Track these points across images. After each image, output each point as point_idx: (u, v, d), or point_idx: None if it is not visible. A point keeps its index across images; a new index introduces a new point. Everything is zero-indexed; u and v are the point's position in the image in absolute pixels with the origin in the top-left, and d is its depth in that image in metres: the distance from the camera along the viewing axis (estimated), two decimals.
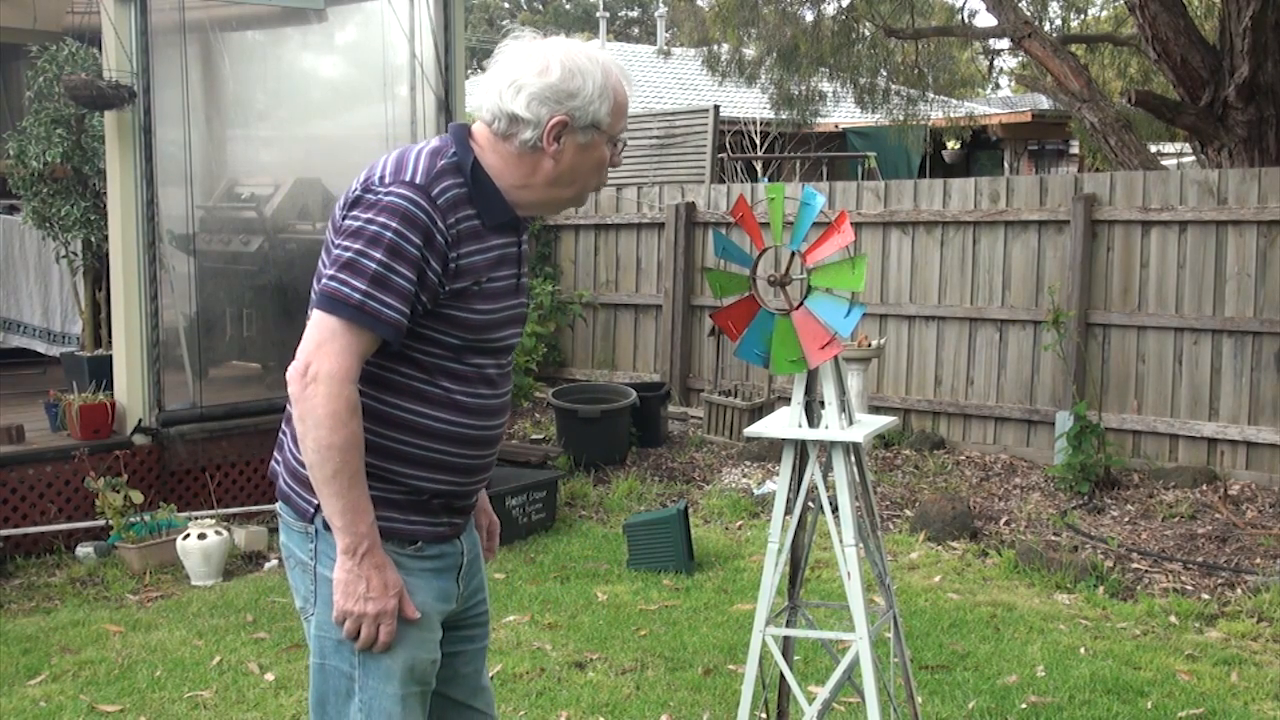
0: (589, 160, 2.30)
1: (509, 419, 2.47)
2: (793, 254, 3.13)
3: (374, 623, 2.19)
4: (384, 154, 2.30)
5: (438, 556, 2.35)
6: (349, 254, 2.14)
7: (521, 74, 2.23)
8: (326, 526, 2.24)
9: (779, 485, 3.20)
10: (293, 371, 2.16)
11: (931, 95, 15.75)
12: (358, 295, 2.12)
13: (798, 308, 3.08)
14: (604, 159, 2.32)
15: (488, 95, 2.27)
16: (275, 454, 2.43)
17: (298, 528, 2.32)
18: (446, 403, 2.27)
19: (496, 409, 2.37)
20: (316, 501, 2.26)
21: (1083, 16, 17.97)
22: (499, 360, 2.35)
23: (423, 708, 2.35)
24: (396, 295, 2.13)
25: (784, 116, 15.46)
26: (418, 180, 2.18)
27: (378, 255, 2.13)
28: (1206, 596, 5.54)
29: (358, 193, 2.21)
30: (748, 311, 3.16)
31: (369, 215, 2.16)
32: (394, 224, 2.13)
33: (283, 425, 2.40)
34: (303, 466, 2.29)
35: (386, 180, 2.19)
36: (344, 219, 2.20)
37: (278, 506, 2.39)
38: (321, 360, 2.12)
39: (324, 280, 2.16)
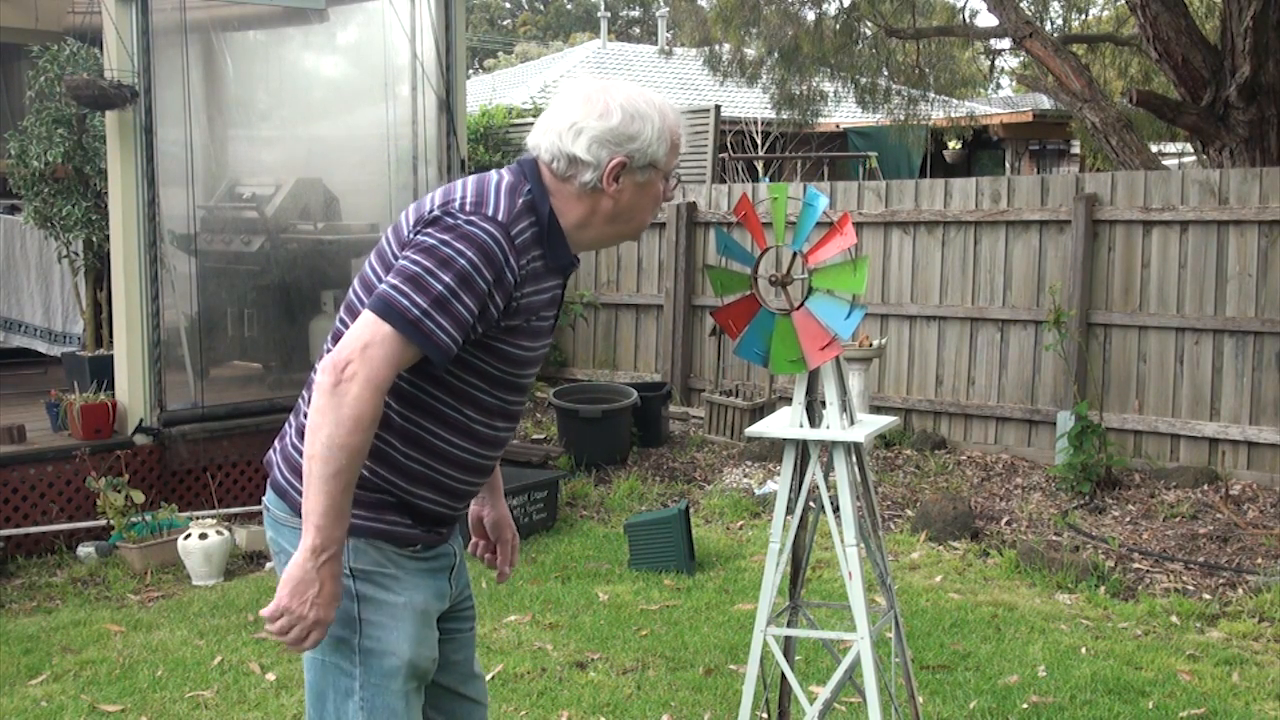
0: (646, 197, 2.34)
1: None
2: (795, 254, 3.13)
3: (308, 628, 2.14)
4: (460, 179, 2.31)
5: (434, 558, 2.38)
6: (416, 269, 2.14)
7: (582, 117, 2.26)
8: (360, 534, 2.25)
9: (780, 485, 3.20)
10: (328, 362, 2.13)
11: (932, 95, 15.76)
12: (416, 311, 2.11)
13: (798, 308, 3.08)
14: (659, 194, 2.37)
15: (545, 135, 2.29)
16: (275, 443, 2.42)
17: (291, 523, 2.31)
18: (464, 429, 2.30)
19: (503, 441, 2.41)
20: (366, 514, 2.26)
21: (1084, 16, 17.97)
22: (520, 397, 2.39)
23: (419, 701, 2.37)
24: (454, 322, 2.13)
25: (785, 116, 15.47)
26: (500, 217, 2.19)
27: (446, 279, 2.12)
28: (1208, 596, 5.54)
29: (435, 213, 2.20)
30: (748, 310, 3.16)
31: (445, 237, 2.15)
32: (470, 254, 2.14)
33: (290, 418, 2.40)
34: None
35: (467, 208, 2.19)
36: (416, 234, 2.20)
37: (267, 499, 2.38)
38: (363, 363, 2.10)
39: (384, 286, 2.16)
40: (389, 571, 2.26)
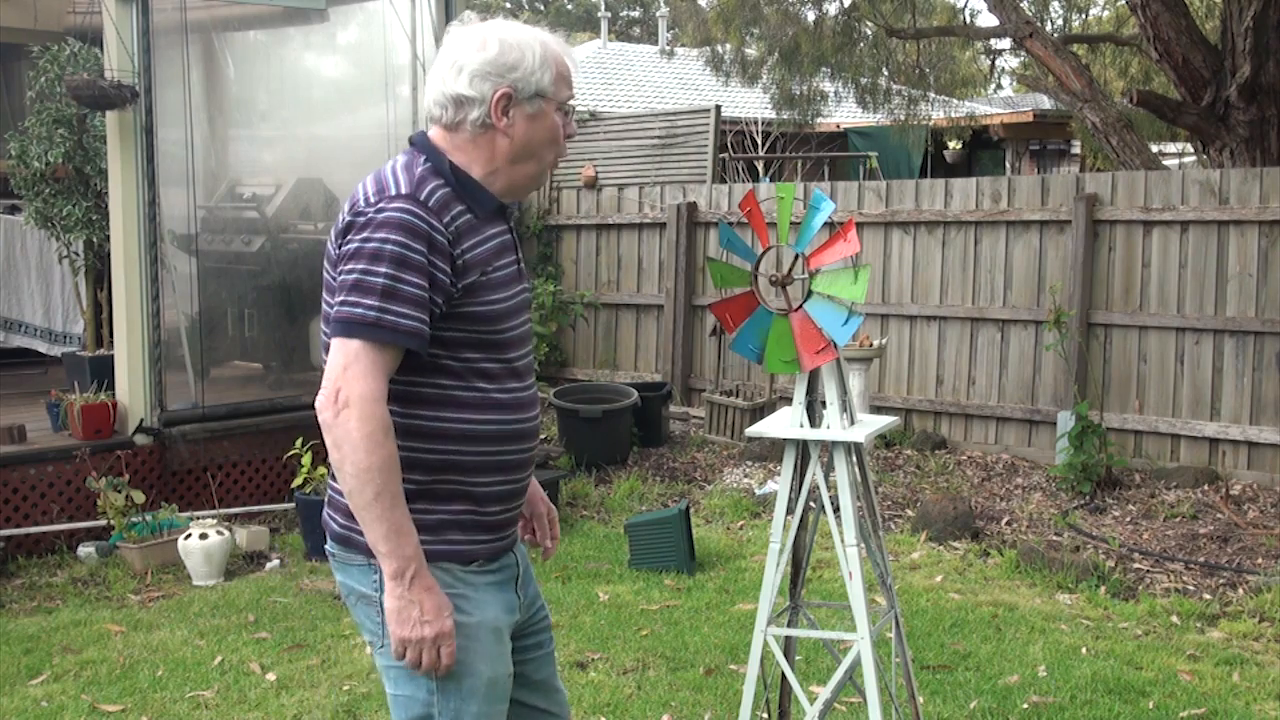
0: (541, 130, 2.30)
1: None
2: (797, 256, 3.13)
3: (433, 646, 2.15)
4: (360, 180, 2.30)
5: (498, 570, 2.33)
6: (354, 275, 2.14)
7: (461, 55, 2.25)
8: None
9: (780, 485, 3.19)
10: (322, 400, 2.13)
11: (933, 95, 15.74)
12: (373, 313, 2.11)
13: (797, 310, 3.08)
14: (556, 128, 2.31)
15: (433, 87, 2.29)
16: (325, 504, 2.39)
17: (357, 561, 2.27)
18: (486, 404, 2.26)
19: (529, 401, 2.35)
20: (427, 538, 2.21)
21: (1084, 16, 17.96)
22: (521, 350, 2.34)
23: None
24: (410, 303, 2.12)
25: (786, 116, 15.46)
26: (404, 190, 2.18)
27: (382, 269, 2.12)
28: (1208, 596, 5.54)
29: (348, 219, 2.20)
30: (747, 306, 3.17)
31: (364, 234, 2.15)
32: (393, 236, 2.13)
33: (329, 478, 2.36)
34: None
35: (372, 200, 2.19)
36: (341, 247, 2.20)
37: (329, 548, 2.35)
38: (349, 384, 2.10)
39: (336, 308, 2.15)
40: (458, 591, 2.23)
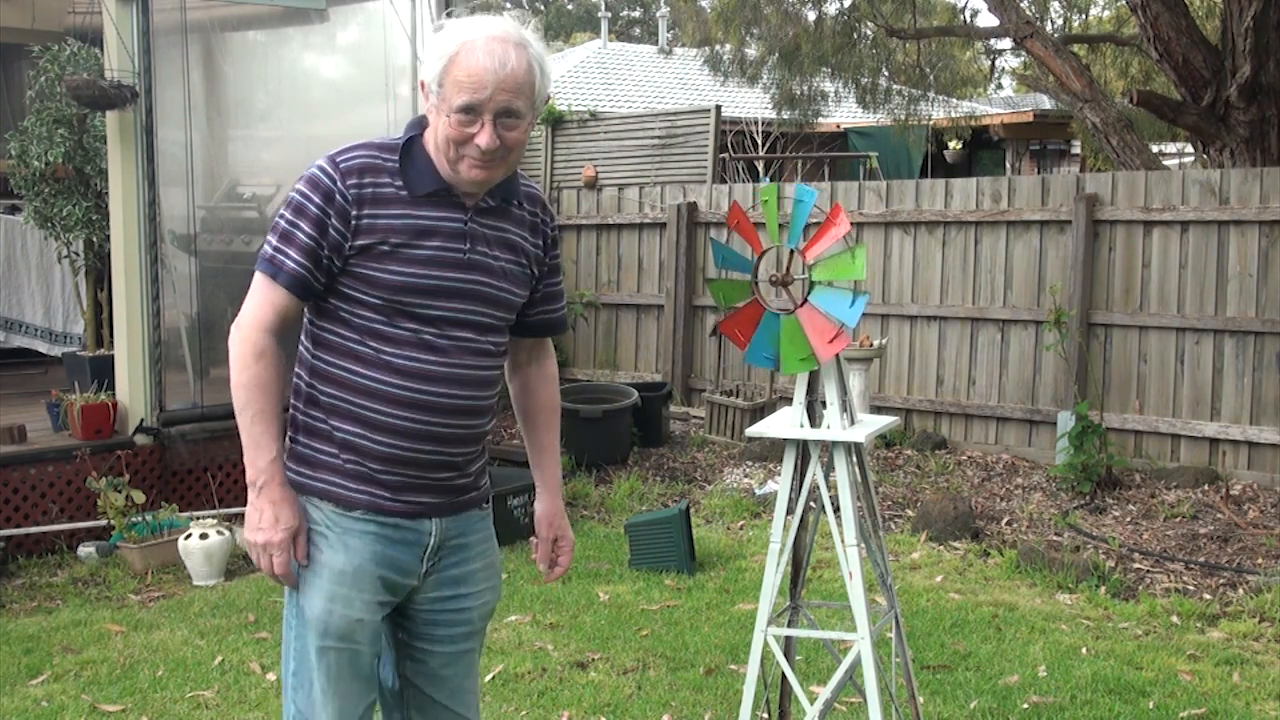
0: (441, 126, 2.31)
1: (489, 396, 2.46)
2: (791, 252, 3.13)
3: (264, 553, 2.33)
4: None
5: (392, 526, 2.39)
6: (275, 220, 2.37)
7: None
8: (301, 490, 2.40)
9: (781, 485, 3.19)
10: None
11: (933, 95, 15.74)
12: (270, 249, 2.34)
13: (802, 305, 3.08)
14: (449, 128, 2.27)
15: None
16: None
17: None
18: (378, 363, 2.36)
19: (441, 376, 2.36)
20: (307, 472, 2.40)
21: (1084, 16, 17.96)
22: (442, 330, 2.36)
23: (353, 669, 2.40)
24: (297, 248, 2.31)
25: (786, 116, 15.46)
26: (333, 153, 2.36)
27: (288, 215, 2.34)
28: (1208, 596, 5.54)
29: None
30: (753, 316, 3.15)
31: (294, 187, 2.37)
32: (302, 188, 2.34)
33: None
34: (297, 444, 2.44)
35: (322, 160, 2.38)
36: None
37: None
38: (244, 311, 2.37)
39: None
40: (319, 530, 2.38)
